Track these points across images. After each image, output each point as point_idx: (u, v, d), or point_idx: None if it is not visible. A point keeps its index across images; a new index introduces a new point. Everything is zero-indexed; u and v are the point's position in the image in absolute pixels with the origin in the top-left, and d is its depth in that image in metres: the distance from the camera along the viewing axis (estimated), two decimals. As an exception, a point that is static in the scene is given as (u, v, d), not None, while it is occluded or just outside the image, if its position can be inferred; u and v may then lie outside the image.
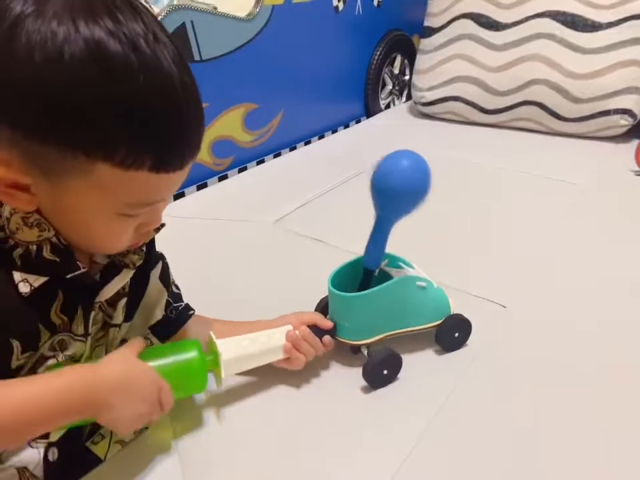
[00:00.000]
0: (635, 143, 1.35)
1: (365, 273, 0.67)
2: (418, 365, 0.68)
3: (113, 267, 0.53)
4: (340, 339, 0.67)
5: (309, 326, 0.65)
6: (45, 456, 0.49)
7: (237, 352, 0.60)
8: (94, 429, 0.55)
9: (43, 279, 0.45)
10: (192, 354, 0.55)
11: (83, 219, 0.45)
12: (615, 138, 1.50)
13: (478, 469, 0.55)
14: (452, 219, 1.07)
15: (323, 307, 0.72)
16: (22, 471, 0.48)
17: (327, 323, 0.66)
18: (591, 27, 1.46)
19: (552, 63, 1.49)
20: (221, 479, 0.55)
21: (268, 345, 0.62)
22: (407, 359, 0.67)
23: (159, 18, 1.15)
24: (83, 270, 0.47)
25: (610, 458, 0.56)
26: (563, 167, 1.33)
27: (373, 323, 0.66)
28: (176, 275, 0.69)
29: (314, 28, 1.59)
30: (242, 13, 1.36)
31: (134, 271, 0.55)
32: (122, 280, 0.53)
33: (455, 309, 0.70)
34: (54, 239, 0.46)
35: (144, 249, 0.56)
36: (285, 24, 1.47)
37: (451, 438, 0.59)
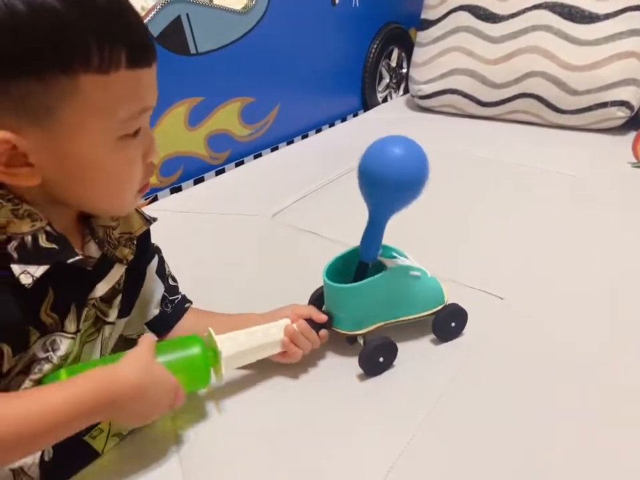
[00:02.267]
0: (632, 134, 1.35)
1: (360, 266, 0.66)
2: (414, 355, 0.68)
3: (106, 261, 0.52)
4: (336, 330, 0.67)
5: (305, 319, 0.65)
6: (41, 456, 0.49)
7: (236, 347, 0.60)
8: (92, 424, 0.55)
9: (43, 268, 0.44)
10: (195, 350, 0.55)
11: (89, 164, 0.44)
12: (613, 130, 1.50)
13: (475, 459, 0.55)
14: (449, 211, 1.07)
15: (316, 298, 0.72)
16: (17, 471, 0.48)
17: (322, 317, 0.66)
18: (589, 18, 1.46)
19: (549, 54, 1.49)
20: (219, 470, 0.55)
21: (266, 339, 0.62)
22: (404, 349, 0.67)
23: (154, 11, 1.14)
24: (81, 256, 0.47)
25: (607, 448, 0.56)
26: (560, 159, 1.33)
27: (368, 313, 0.66)
28: (173, 269, 0.69)
29: (310, 21, 1.59)
30: (238, 6, 1.35)
31: (126, 266, 0.54)
32: (115, 275, 0.53)
33: (449, 298, 0.70)
34: (48, 228, 0.45)
35: (135, 242, 0.56)
36: (282, 17, 1.47)
37: (448, 429, 0.59)
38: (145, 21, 1.13)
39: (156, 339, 0.54)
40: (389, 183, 0.53)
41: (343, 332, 0.67)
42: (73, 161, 0.44)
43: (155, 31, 1.16)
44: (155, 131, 1.20)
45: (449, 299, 0.71)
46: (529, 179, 1.23)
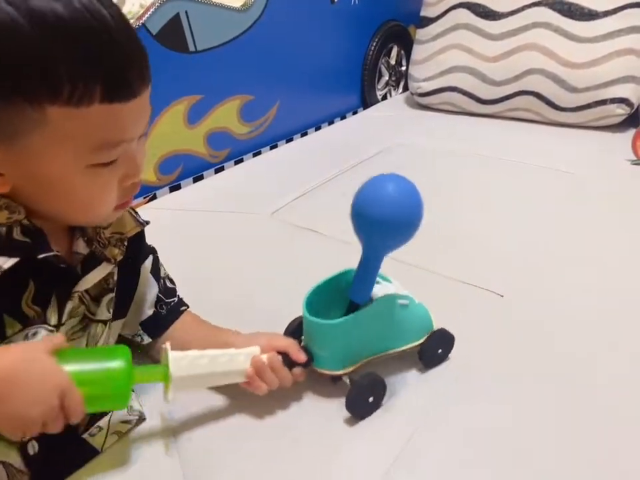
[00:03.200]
0: (631, 132, 1.34)
1: (351, 307, 0.60)
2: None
3: (94, 258, 0.52)
4: (318, 370, 0.61)
5: (281, 352, 0.59)
6: (25, 450, 0.49)
7: (191, 370, 0.54)
8: (91, 422, 0.55)
9: (13, 261, 0.43)
10: (117, 363, 0.47)
11: (59, 184, 0.44)
12: (612, 127, 1.49)
13: (475, 457, 0.55)
14: (449, 209, 1.07)
15: (294, 330, 0.66)
16: (7, 466, 0.48)
17: (300, 356, 0.59)
18: (588, 15, 1.46)
19: (548, 52, 1.49)
20: (220, 467, 0.55)
21: (229, 366, 0.57)
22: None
23: (153, 8, 1.14)
24: (55, 252, 0.46)
25: (608, 449, 0.56)
26: (559, 156, 1.32)
27: (354, 350, 0.60)
28: (172, 267, 0.69)
29: (309, 18, 1.58)
30: (237, 3, 1.34)
31: (114, 265, 0.54)
32: (101, 272, 0.52)
33: (436, 323, 0.66)
34: (25, 222, 0.45)
35: (125, 243, 0.55)
36: (281, 14, 1.46)
37: (448, 428, 0.59)
38: (144, 19, 1.13)
39: (62, 339, 0.46)
40: (384, 223, 0.52)
41: (326, 372, 0.60)
42: (42, 179, 0.43)
43: (154, 28, 1.16)
44: (154, 129, 1.21)
45: (436, 324, 0.66)
46: (528, 177, 1.23)
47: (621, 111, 1.45)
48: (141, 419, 0.58)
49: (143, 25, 1.13)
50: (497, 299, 0.80)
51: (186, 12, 1.21)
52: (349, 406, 0.58)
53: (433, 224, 0.99)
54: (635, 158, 1.28)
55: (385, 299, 0.61)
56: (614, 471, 0.54)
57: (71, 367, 0.44)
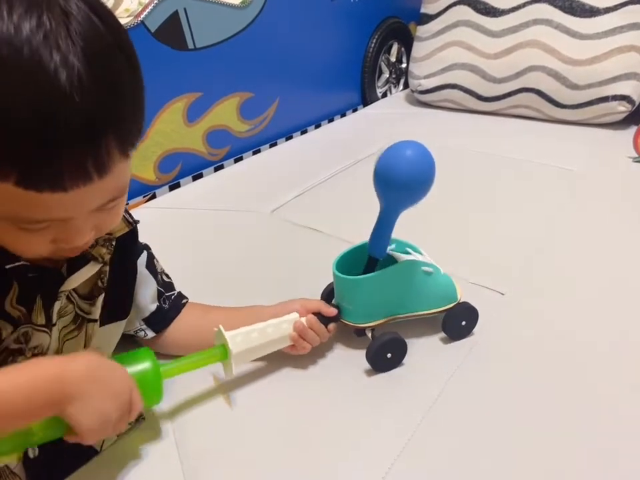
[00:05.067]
0: (633, 129, 1.34)
1: (370, 261, 0.67)
2: (420, 351, 0.68)
3: (82, 258, 0.51)
4: (344, 322, 0.67)
5: (314, 313, 0.65)
6: (25, 453, 0.49)
7: (246, 344, 0.60)
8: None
9: None
10: (145, 365, 0.52)
11: None
12: (613, 124, 1.49)
13: (476, 458, 0.55)
14: (449, 207, 1.06)
15: (327, 294, 0.73)
16: (2, 469, 0.48)
17: (331, 311, 0.66)
18: (589, 12, 1.45)
19: (549, 49, 1.48)
20: (220, 466, 0.55)
21: (277, 334, 0.63)
22: (411, 345, 0.67)
23: (152, 5, 1.13)
24: (21, 262, 0.44)
25: (611, 444, 0.56)
26: (561, 153, 1.32)
27: (377, 307, 0.66)
28: (172, 265, 0.68)
29: (309, 15, 1.58)
30: (236, 0, 1.34)
31: (102, 264, 0.53)
32: (88, 272, 0.52)
33: (462, 297, 0.70)
34: None
35: (113, 243, 0.55)
36: (280, 11, 1.46)
37: (448, 427, 0.58)
38: (142, 16, 1.12)
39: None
40: (401, 181, 0.58)
41: (351, 324, 0.67)
42: None
43: (152, 25, 1.15)
44: (153, 128, 1.20)
45: (462, 297, 0.70)
46: (529, 174, 1.22)
47: (623, 108, 1.44)
48: (141, 418, 0.58)
49: (142, 22, 1.13)
50: (498, 296, 0.79)
51: (185, 9, 1.21)
52: (369, 358, 0.64)
53: (434, 221, 1.00)
54: (636, 155, 1.27)
55: (408, 262, 0.66)
56: (618, 468, 0.54)
57: None
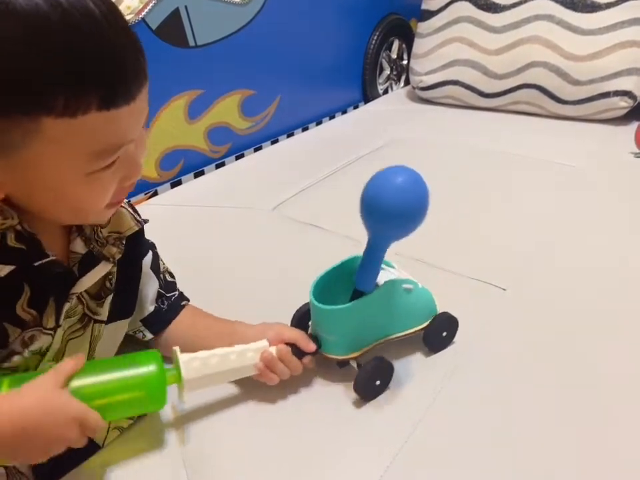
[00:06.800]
0: (634, 124, 1.34)
1: (355, 294, 0.61)
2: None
3: (92, 258, 0.51)
4: (325, 355, 0.62)
5: (290, 343, 0.60)
6: None
7: (202, 371, 0.55)
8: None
9: (9, 268, 0.43)
10: (150, 368, 0.49)
11: (56, 190, 0.43)
12: (615, 120, 1.48)
13: (475, 450, 0.55)
14: (451, 203, 1.06)
15: (301, 317, 0.67)
16: (9, 467, 0.48)
17: (310, 346, 0.60)
18: (590, 7, 1.45)
19: (551, 44, 1.48)
20: (222, 462, 0.55)
21: (239, 363, 0.57)
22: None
23: (153, 3, 1.13)
24: (51, 257, 0.45)
25: (610, 441, 0.56)
26: (562, 149, 1.32)
27: (360, 335, 0.61)
28: (173, 262, 0.68)
29: (310, 12, 1.57)
30: (237, -2, 1.34)
31: (113, 264, 0.53)
32: (100, 272, 0.52)
33: (440, 306, 0.67)
34: (18, 227, 0.44)
35: (123, 242, 0.55)
36: (281, 8, 1.45)
37: (448, 424, 0.59)
38: (143, 13, 1.12)
39: (71, 364, 0.46)
40: (390, 212, 0.53)
41: (333, 357, 0.62)
42: (39, 186, 0.42)
43: (154, 23, 1.15)
44: (154, 125, 1.20)
45: (439, 308, 0.67)
46: (530, 170, 1.22)
47: (624, 104, 1.44)
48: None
49: (143, 19, 1.13)
50: (500, 292, 0.79)
51: (185, 6, 1.21)
52: (357, 388, 0.60)
53: (435, 218, 0.99)
54: (637, 150, 1.27)
55: (390, 284, 0.62)
56: (618, 466, 0.54)
57: (103, 378, 0.47)
